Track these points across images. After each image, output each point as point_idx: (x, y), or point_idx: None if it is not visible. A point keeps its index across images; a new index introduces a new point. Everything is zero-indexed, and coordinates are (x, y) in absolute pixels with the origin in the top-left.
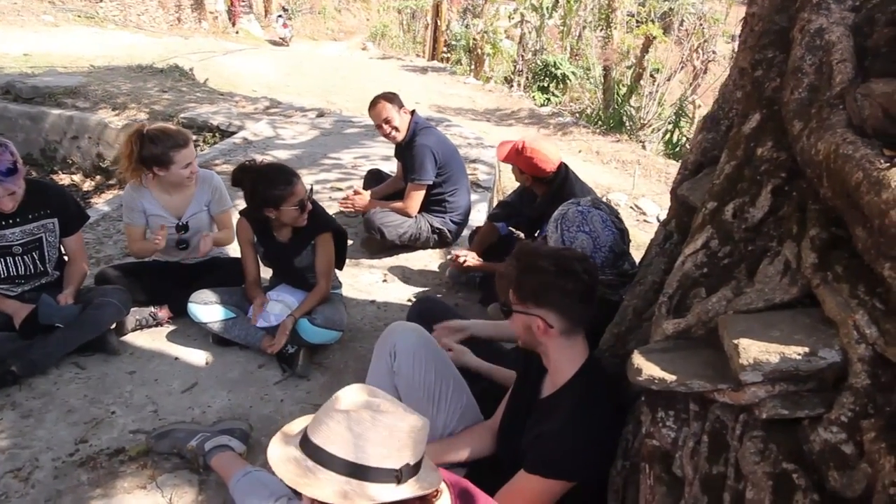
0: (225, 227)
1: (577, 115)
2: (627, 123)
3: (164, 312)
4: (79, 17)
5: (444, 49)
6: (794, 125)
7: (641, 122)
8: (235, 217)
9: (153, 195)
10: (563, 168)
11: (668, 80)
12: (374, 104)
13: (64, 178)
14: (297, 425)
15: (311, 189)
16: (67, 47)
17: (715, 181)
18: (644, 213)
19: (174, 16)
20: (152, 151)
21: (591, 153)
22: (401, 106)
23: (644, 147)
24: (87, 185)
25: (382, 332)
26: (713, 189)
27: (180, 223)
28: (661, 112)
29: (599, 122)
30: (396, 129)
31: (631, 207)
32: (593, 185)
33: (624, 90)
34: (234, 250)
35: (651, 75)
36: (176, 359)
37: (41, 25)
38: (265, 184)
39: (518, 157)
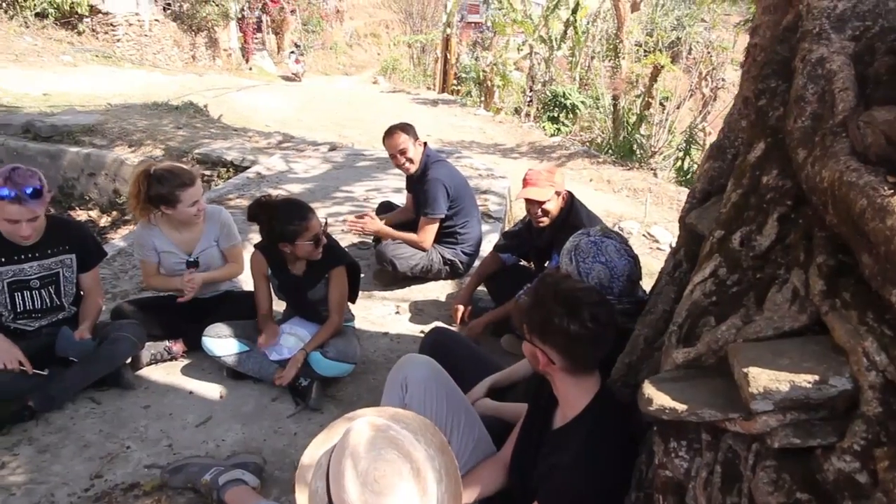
0: (233, 261)
1: (588, 144)
2: (638, 152)
3: (178, 346)
4: (96, 56)
5: (454, 81)
6: (798, 153)
7: (652, 149)
8: (245, 251)
9: (163, 233)
10: (569, 196)
11: (678, 107)
12: (390, 134)
13: (81, 215)
14: (313, 455)
15: (326, 223)
16: (85, 86)
17: (722, 210)
18: (657, 241)
19: (189, 54)
20: (159, 191)
21: (603, 182)
22: (416, 138)
23: (655, 175)
24: (104, 221)
25: (394, 365)
26: (720, 217)
27: (190, 259)
28: (672, 140)
29: (610, 151)
30: (411, 160)
31: (644, 235)
32: (605, 214)
33: (633, 119)
34: (247, 284)
35: (661, 103)
36: (190, 393)
37: (60, 66)
38: (281, 219)
39: (551, 177)
